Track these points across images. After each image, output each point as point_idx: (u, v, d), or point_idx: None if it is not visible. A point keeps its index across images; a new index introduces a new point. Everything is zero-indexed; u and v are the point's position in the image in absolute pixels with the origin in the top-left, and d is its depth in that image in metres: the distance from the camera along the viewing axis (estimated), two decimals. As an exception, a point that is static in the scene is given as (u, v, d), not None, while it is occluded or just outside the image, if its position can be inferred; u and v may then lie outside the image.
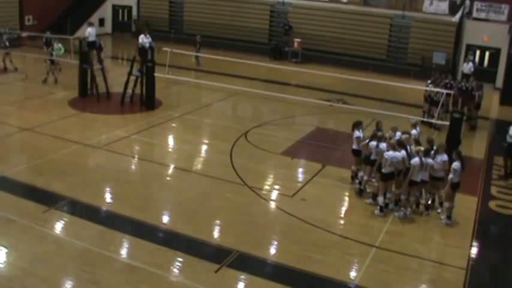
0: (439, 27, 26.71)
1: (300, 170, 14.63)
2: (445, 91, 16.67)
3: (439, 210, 11.89)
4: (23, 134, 15.76)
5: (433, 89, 17.85)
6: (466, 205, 12.53)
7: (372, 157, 12.02)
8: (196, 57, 25.95)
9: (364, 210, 11.98)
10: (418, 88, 19.64)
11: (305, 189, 12.96)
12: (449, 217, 11.48)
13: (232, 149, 15.25)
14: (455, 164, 11.24)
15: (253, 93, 20.14)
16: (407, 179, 11.39)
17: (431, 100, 18.26)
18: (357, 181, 12.90)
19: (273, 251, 10.34)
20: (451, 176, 11.26)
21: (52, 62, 21.31)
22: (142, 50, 18.57)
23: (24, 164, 13.54)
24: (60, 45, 23.18)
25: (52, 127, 16.18)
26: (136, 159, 14.84)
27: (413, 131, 13.14)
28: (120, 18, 35.71)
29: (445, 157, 11.39)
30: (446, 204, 11.53)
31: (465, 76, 21.38)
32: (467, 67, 22.35)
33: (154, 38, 19.56)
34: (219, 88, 20.66)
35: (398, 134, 12.54)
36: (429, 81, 19.02)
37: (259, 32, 31.03)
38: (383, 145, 11.82)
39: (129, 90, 18.98)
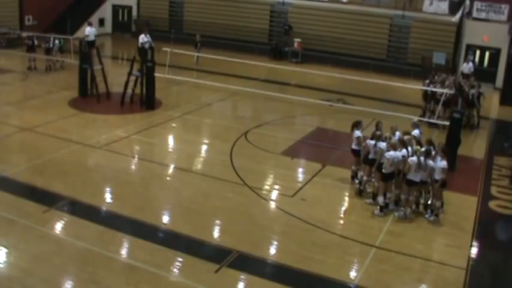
0: (439, 27, 26.73)
1: (300, 170, 14.62)
2: (445, 91, 16.67)
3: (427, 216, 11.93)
4: (23, 134, 15.75)
5: (433, 89, 17.84)
6: (466, 205, 12.55)
7: (370, 156, 12.02)
8: (197, 56, 26.01)
9: (364, 210, 11.97)
10: (418, 88, 19.64)
11: (305, 189, 12.96)
12: (437, 215, 11.55)
13: (232, 149, 15.24)
14: (443, 163, 11.28)
15: (253, 93, 20.13)
16: (401, 176, 11.42)
17: (433, 98, 18.24)
18: (357, 181, 12.89)
19: (273, 251, 10.33)
20: (441, 175, 11.30)
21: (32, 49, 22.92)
22: (142, 50, 18.57)
23: (24, 164, 13.52)
24: (57, 41, 23.25)
25: (52, 127, 16.17)
26: (136, 159, 14.83)
27: (416, 131, 13.12)
28: (120, 18, 35.71)
29: (444, 163, 11.37)
30: (436, 203, 11.56)
31: (465, 76, 21.39)
32: (467, 67, 22.36)
33: (154, 38, 19.56)
34: (219, 88, 20.65)
35: (397, 134, 12.53)
36: (427, 81, 19.12)
37: (259, 32, 31.04)
38: (382, 144, 11.81)
39: (129, 90, 18.96)
